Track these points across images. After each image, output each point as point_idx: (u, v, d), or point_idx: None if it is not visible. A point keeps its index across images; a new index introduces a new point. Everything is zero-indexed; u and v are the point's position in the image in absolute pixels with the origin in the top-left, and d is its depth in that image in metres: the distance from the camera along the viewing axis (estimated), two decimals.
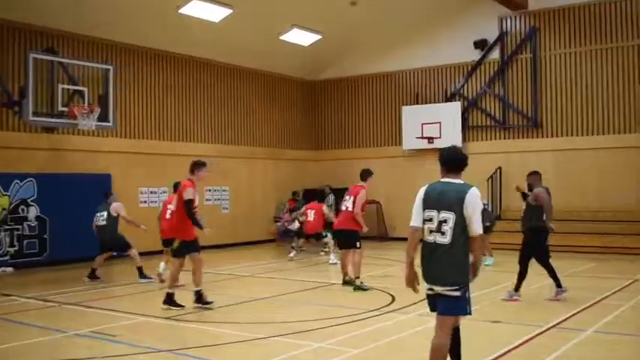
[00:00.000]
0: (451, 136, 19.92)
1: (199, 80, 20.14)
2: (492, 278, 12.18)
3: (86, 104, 14.85)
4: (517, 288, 10.21)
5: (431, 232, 5.38)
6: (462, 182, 5.48)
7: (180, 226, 9.76)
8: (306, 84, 24.15)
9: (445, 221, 5.29)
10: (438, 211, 5.35)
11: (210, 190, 20.14)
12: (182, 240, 9.80)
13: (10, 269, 14.76)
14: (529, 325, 8.40)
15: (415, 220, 5.45)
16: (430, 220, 5.38)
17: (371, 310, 9.49)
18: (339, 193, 22.53)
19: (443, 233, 5.31)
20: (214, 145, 20.37)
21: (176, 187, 13.45)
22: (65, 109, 14.64)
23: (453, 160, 5.54)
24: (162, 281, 12.10)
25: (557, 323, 8.54)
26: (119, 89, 17.16)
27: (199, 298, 9.87)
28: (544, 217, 10.16)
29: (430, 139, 20.86)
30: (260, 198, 21.67)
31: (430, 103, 21.54)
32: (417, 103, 21.80)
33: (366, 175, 12.04)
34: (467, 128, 20.79)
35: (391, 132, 22.58)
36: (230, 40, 19.48)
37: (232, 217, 20.82)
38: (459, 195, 5.32)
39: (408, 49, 22.01)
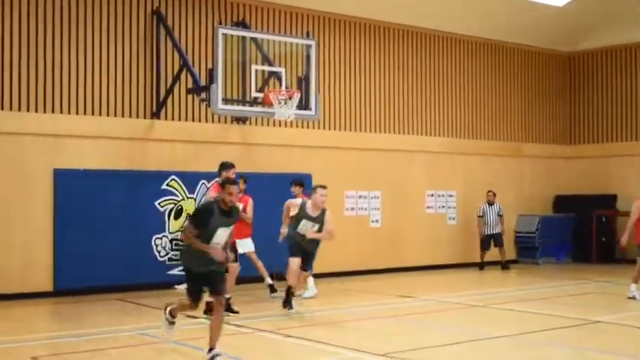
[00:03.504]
0: None
1: (418, 57, 20.23)
2: None
3: (284, 88, 15.37)
4: None
5: None
6: None
7: None
8: (557, 57, 23.40)
9: None
10: None
11: (432, 195, 20.17)
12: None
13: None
14: None
15: None
16: None
17: None
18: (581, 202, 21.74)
19: None
20: (438, 138, 20.39)
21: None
22: (260, 94, 15.28)
23: None
24: None
25: None
26: (322, 70, 17.70)
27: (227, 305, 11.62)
28: None
29: None
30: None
31: None
32: None
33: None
34: None
35: None
36: (456, 3, 19.41)
37: (460, 230, 20.70)
38: None
39: None
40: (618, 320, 11.88)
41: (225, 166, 12.30)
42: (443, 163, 20.41)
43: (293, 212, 12.84)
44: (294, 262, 12.57)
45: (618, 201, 21.80)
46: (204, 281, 9.09)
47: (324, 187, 12.79)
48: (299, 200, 13.08)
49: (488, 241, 20.11)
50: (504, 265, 19.94)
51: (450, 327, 11.58)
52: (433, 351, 9.66)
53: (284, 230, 13.20)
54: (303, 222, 12.60)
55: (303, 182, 15.14)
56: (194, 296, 9.21)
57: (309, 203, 12.67)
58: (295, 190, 14.86)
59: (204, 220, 8.81)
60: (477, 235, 20.23)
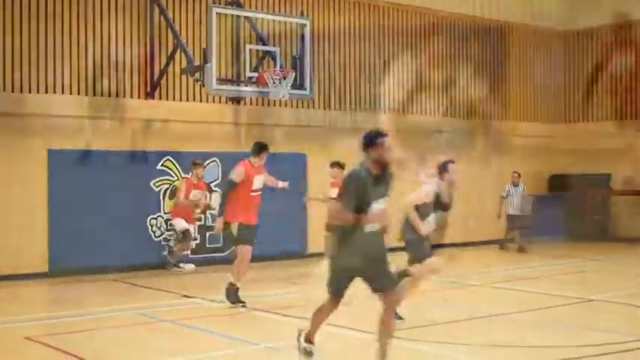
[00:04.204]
0: None
1: (415, 36, 20.15)
2: None
3: (278, 68, 15.34)
4: None
5: None
6: None
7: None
8: (553, 36, 23.29)
9: None
10: None
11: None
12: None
13: (190, 266, 15.74)
14: None
15: None
16: None
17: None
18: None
19: None
20: (435, 118, 20.35)
21: None
22: (254, 74, 15.22)
23: None
24: None
25: None
26: (316, 49, 17.59)
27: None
28: None
29: None
30: (491, 185, 21.22)
31: None
32: None
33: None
34: None
35: None
36: None
37: (458, 210, 20.62)
38: None
39: None
40: (612, 298, 11.88)
41: (263, 147, 11.88)
42: (444, 142, 20.24)
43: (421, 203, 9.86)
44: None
45: (612, 180, 21.80)
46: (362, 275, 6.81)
47: (453, 161, 10.34)
48: (427, 188, 10.06)
49: (517, 219, 19.84)
50: (503, 244, 19.78)
51: (446, 306, 11.57)
52: (429, 330, 9.66)
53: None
54: (436, 214, 10.23)
55: (343, 163, 13.37)
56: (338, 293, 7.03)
57: (441, 188, 10.00)
58: (335, 172, 13.55)
59: (355, 191, 6.52)
60: (467, 215, 20.05)
